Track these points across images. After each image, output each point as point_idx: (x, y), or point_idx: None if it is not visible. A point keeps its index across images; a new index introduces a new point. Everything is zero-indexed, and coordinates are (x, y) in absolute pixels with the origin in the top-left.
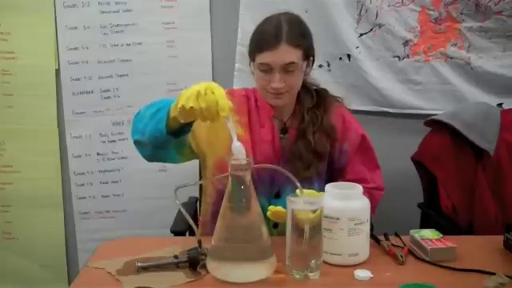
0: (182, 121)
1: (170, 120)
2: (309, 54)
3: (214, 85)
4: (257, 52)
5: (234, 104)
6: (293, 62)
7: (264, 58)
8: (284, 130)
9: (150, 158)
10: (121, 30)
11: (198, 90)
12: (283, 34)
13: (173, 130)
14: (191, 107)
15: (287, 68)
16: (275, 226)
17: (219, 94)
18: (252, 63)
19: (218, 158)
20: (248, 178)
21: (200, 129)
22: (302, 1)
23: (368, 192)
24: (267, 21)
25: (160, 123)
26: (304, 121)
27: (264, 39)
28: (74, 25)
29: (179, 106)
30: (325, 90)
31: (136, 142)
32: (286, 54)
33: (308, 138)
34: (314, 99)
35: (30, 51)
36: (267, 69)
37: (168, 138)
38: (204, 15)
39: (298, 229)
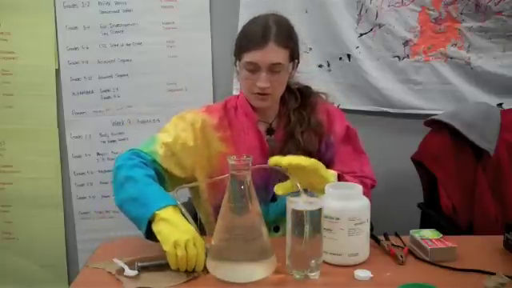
0: None
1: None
2: (294, 57)
3: (198, 238)
4: (244, 51)
5: (212, 120)
6: (279, 63)
7: (251, 56)
8: (270, 131)
9: None
10: (121, 30)
11: (177, 240)
12: (272, 34)
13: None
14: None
15: (273, 68)
16: (276, 230)
17: (201, 249)
18: (238, 62)
19: (208, 176)
20: (248, 178)
21: (185, 155)
22: (302, 1)
23: (359, 181)
24: (255, 20)
25: (140, 224)
26: (290, 122)
27: (252, 38)
28: (74, 25)
29: (163, 247)
30: (307, 88)
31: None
32: (274, 53)
33: (296, 137)
34: (299, 100)
35: (30, 51)
36: (254, 68)
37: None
38: (204, 15)
39: (298, 228)
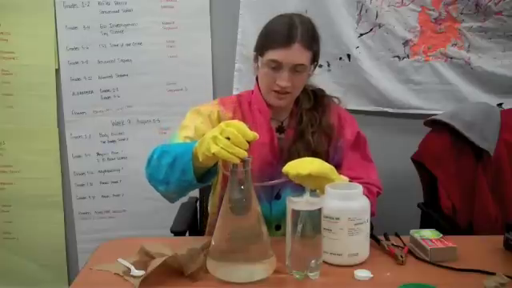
0: (209, 164)
1: (195, 168)
2: (315, 59)
3: (229, 122)
4: (268, 48)
5: (227, 112)
6: (302, 64)
7: (276, 55)
8: (281, 129)
9: (177, 199)
10: (121, 30)
11: (214, 135)
12: (298, 34)
13: (199, 175)
14: (213, 153)
15: (296, 68)
16: (278, 228)
17: (236, 124)
18: (260, 58)
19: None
20: (248, 178)
21: None
22: (302, 1)
23: (365, 187)
24: (280, 19)
25: (186, 174)
26: (302, 122)
27: (278, 36)
28: (74, 25)
29: (209, 153)
30: (321, 91)
31: (160, 192)
32: (299, 54)
33: (307, 137)
34: (312, 101)
35: (30, 51)
36: (276, 66)
37: (197, 186)
38: (204, 15)
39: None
